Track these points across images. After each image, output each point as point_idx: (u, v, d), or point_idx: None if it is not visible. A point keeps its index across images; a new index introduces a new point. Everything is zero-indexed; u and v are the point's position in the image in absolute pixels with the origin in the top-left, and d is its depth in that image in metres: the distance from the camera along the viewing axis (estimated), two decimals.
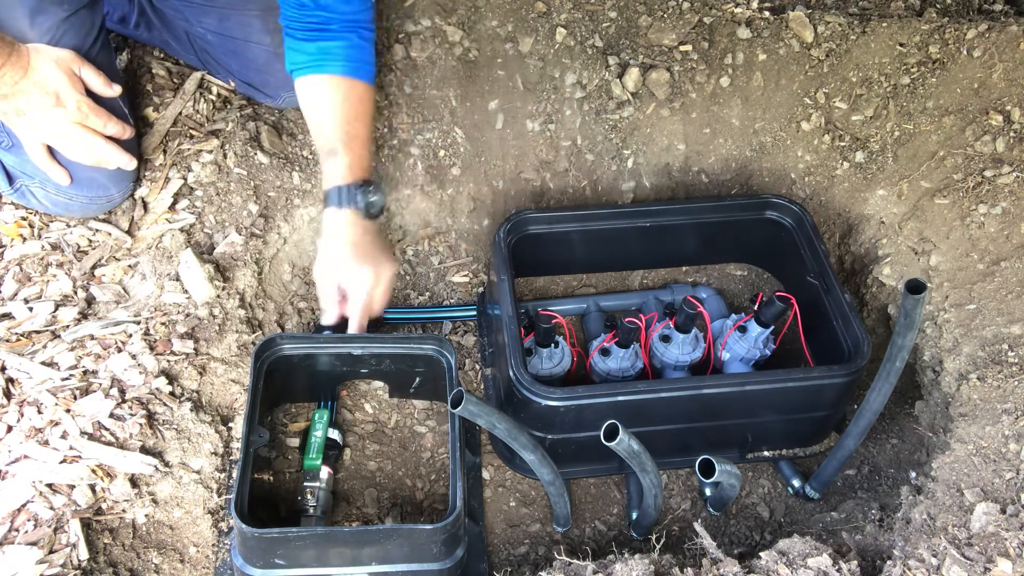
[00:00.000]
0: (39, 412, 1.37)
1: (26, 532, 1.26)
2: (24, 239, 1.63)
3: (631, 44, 2.01)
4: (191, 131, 1.79)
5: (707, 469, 1.21)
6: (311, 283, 1.84)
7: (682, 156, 2.02)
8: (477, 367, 1.83)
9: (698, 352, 1.76)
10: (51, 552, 1.24)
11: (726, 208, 1.87)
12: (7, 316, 1.51)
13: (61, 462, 1.33)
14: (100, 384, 1.42)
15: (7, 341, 1.47)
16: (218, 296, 1.60)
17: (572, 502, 1.60)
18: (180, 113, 1.80)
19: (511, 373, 1.52)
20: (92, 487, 1.32)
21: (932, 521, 1.29)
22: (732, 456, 1.69)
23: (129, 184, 1.67)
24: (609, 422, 1.18)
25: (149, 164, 1.73)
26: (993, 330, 1.58)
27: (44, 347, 1.47)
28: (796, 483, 1.68)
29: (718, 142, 2.02)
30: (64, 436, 1.35)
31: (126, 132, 1.60)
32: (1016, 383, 1.46)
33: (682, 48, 1.99)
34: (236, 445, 1.50)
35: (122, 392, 1.43)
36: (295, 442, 1.64)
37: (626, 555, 1.21)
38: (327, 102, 1.62)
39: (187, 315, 1.56)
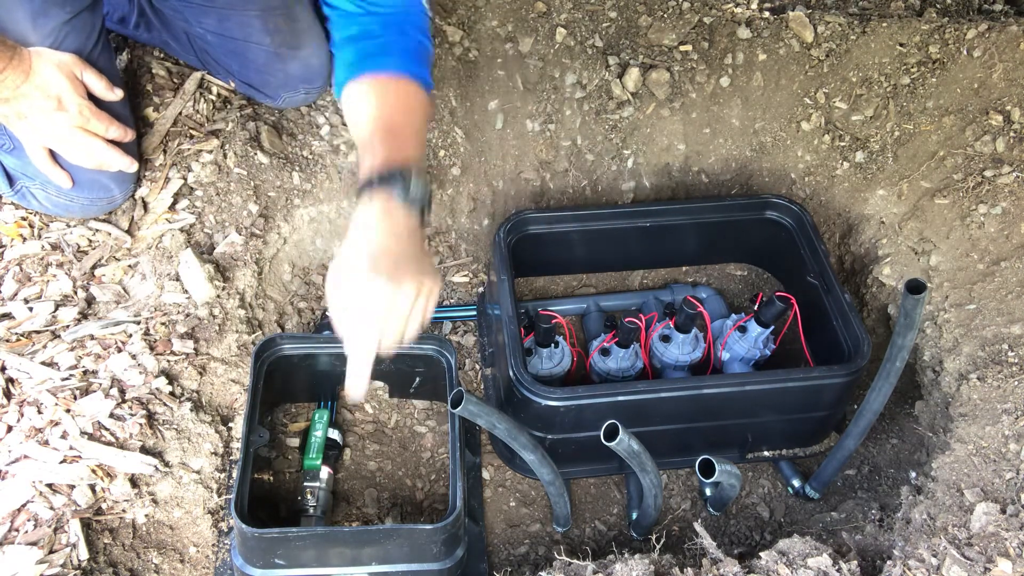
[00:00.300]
0: (39, 412, 1.37)
1: (26, 532, 1.26)
2: (24, 239, 1.63)
3: (631, 44, 2.01)
4: (191, 131, 1.79)
5: (707, 469, 1.21)
6: (311, 283, 1.84)
7: (682, 156, 2.02)
8: (477, 367, 1.83)
9: (698, 352, 1.76)
10: (51, 552, 1.24)
11: (726, 208, 1.87)
12: (7, 316, 1.51)
13: (61, 462, 1.33)
14: (100, 384, 1.42)
15: (7, 341, 1.47)
16: (218, 296, 1.60)
17: (572, 502, 1.60)
18: (180, 113, 1.80)
19: (511, 373, 1.52)
20: (92, 487, 1.32)
21: (932, 521, 1.29)
22: (732, 456, 1.69)
23: (130, 185, 1.68)
24: (609, 422, 1.18)
25: (149, 164, 1.73)
26: (993, 330, 1.58)
27: (44, 347, 1.47)
28: (796, 483, 1.68)
29: (718, 142, 2.02)
30: (64, 436, 1.35)
31: (127, 136, 1.60)
32: (1016, 383, 1.46)
33: (682, 48, 1.99)
34: (236, 445, 1.50)
35: (122, 392, 1.43)
36: (295, 442, 1.64)
37: (626, 555, 1.21)
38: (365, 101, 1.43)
39: (187, 315, 1.56)
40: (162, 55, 1.90)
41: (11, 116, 1.47)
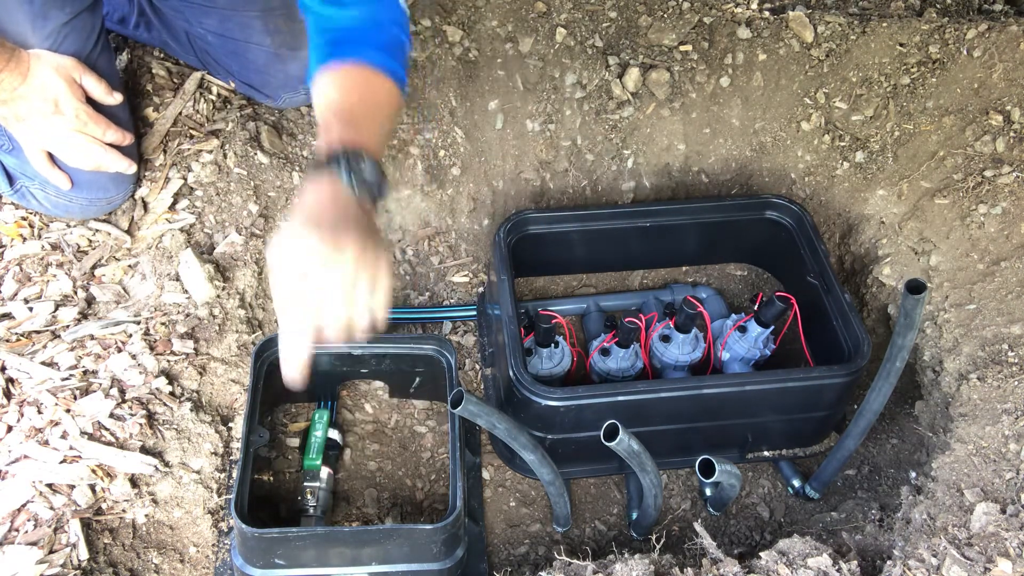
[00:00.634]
0: (39, 412, 1.38)
1: (26, 532, 1.26)
2: (24, 239, 1.63)
3: (631, 44, 2.01)
4: (191, 131, 1.79)
5: (707, 469, 1.21)
6: None
7: (682, 156, 2.02)
8: (477, 367, 1.83)
9: (698, 352, 1.76)
10: (51, 552, 1.24)
11: (726, 208, 1.87)
12: (7, 316, 1.51)
13: (61, 462, 1.33)
14: (100, 384, 1.43)
15: (7, 341, 1.47)
16: (218, 296, 1.60)
17: (572, 502, 1.60)
18: (180, 113, 1.80)
19: (511, 373, 1.52)
20: (92, 487, 1.32)
21: (932, 521, 1.29)
22: (732, 456, 1.69)
23: (129, 186, 1.68)
24: (609, 422, 1.18)
25: (149, 164, 1.73)
26: (993, 330, 1.58)
27: (44, 347, 1.47)
28: (796, 483, 1.68)
29: (718, 142, 2.02)
30: (64, 436, 1.35)
31: (125, 139, 1.60)
32: (1016, 383, 1.46)
33: (682, 48, 1.99)
34: (236, 445, 1.50)
35: (122, 392, 1.43)
36: (295, 442, 1.64)
37: (626, 555, 1.21)
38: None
39: (187, 315, 1.56)
40: (162, 55, 1.90)
41: (9, 118, 1.48)
